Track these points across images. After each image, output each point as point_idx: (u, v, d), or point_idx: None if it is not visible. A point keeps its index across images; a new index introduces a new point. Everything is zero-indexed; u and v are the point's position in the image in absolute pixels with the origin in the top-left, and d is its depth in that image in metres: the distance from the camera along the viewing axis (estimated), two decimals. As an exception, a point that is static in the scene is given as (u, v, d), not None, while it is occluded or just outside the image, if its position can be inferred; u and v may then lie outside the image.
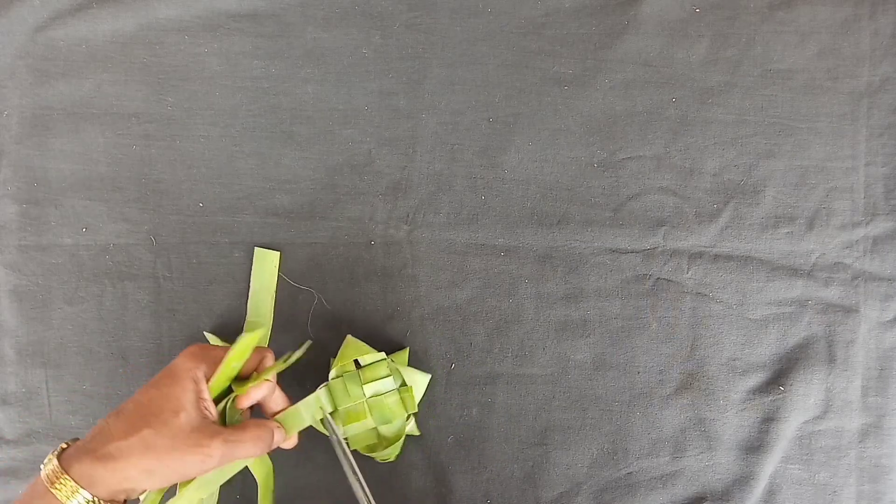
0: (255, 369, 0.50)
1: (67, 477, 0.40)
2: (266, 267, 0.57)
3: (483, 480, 0.58)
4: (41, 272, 0.58)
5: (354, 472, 0.51)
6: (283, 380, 0.53)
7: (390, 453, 0.55)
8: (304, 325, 0.58)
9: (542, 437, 0.58)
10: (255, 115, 0.58)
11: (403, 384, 0.55)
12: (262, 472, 0.54)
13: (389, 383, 0.54)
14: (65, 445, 0.43)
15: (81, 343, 0.58)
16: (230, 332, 0.57)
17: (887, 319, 0.60)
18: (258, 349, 0.51)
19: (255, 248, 0.57)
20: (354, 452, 0.54)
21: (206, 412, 0.45)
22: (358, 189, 0.59)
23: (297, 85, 0.59)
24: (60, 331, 0.58)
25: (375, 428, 0.54)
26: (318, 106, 0.59)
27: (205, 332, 0.57)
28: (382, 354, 0.54)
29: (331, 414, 0.53)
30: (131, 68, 0.58)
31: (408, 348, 0.58)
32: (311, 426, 0.53)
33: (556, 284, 0.59)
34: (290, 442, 0.52)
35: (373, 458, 0.55)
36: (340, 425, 0.53)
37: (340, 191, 0.59)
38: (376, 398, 0.53)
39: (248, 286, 0.58)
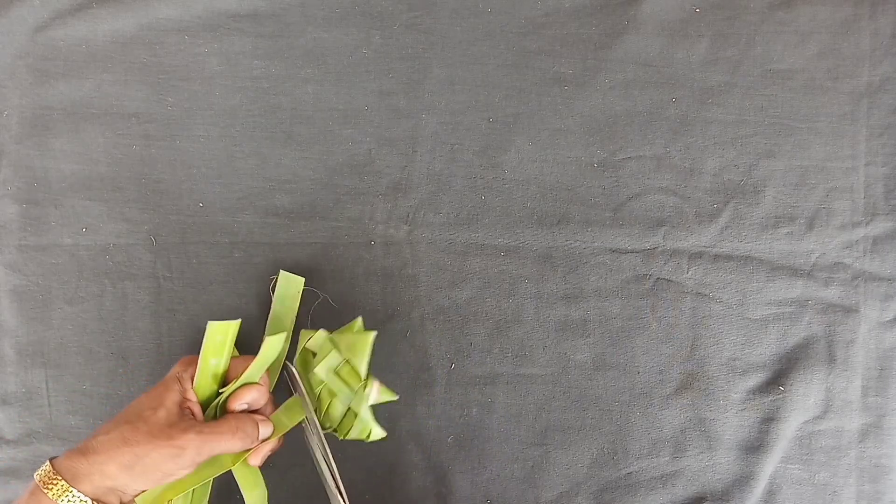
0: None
1: (59, 477, 0.41)
2: (289, 291, 0.56)
3: (483, 480, 0.58)
4: (41, 272, 0.57)
5: (332, 473, 0.50)
6: (278, 386, 0.53)
7: (368, 428, 0.52)
8: (304, 324, 0.58)
9: (542, 437, 0.58)
10: (255, 115, 0.58)
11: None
12: (254, 496, 0.53)
13: (336, 356, 0.51)
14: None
15: (81, 343, 0.58)
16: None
17: (887, 319, 0.60)
18: (245, 357, 0.51)
19: (281, 271, 0.56)
20: (348, 443, 0.53)
21: (189, 412, 0.46)
22: (358, 189, 0.59)
23: (297, 85, 0.59)
24: (60, 331, 0.58)
25: (350, 410, 0.52)
26: (318, 106, 0.59)
27: None
28: (322, 332, 0.52)
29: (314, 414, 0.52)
30: (131, 68, 0.58)
31: (360, 318, 0.54)
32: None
33: (556, 284, 0.59)
34: (263, 449, 0.50)
35: (364, 442, 0.52)
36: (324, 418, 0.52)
37: (340, 191, 0.59)
38: (332, 376, 0.51)
39: (249, 287, 0.58)
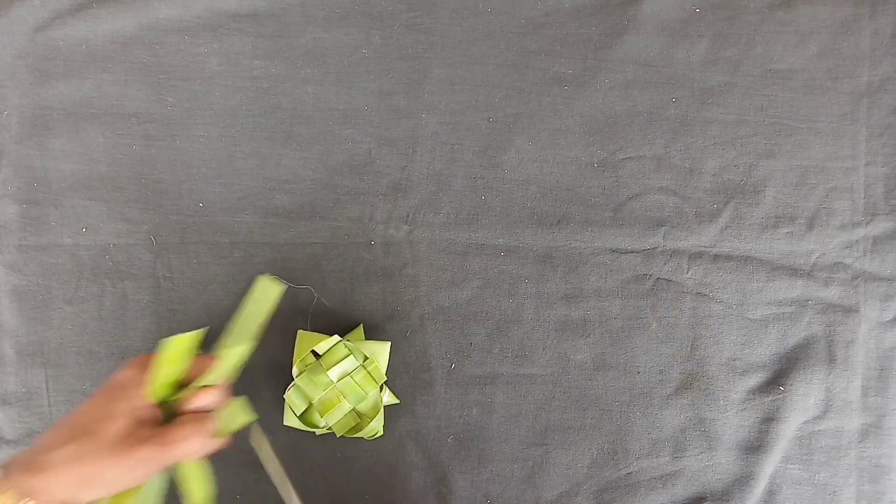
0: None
1: (13, 488, 0.39)
2: (265, 298, 0.53)
3: (483, 480, 0.58)
4: (41, 272, 0.57)
5: (284, 480, 0.50)
6: (264, 384, 0.53)
7: (376, 428, 0.55)
8: (304, 324, 0.58)
9: (542, 437, 0.58)
10: (255, 115, 0.58)
11: (366, 358, 0.54)
12: (197, 488, 0.51)
13: (352, 361, 0.53)
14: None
15: (81, 343, 0.58)
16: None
17: (887, 319, 0.60)
18: (208, 357, 0.48)
19: (259, 276, 0.53)
20: (348, 443, 0.54)
21: (143, 418, 0.43)
22: (358, 189, 0.59)
23: (297, 85, 0.59)
24: (60, 331, 0.58)
25: (353, 411, 0.54)
26: (318, 106, 0.59)
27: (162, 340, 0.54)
28: (336, 337, 0.54)
29: (306, 410, 0.53)
30: (131, 68, 0.58)
31: (361, 325, 0.57)
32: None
33: (556, 284, 0.59)
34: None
35: (363, 439, 0.54)
36: (318, 415, 0.53)
37: (340, 191, 0.59)
38: (344, 379, 0.53)
39: (249, 287, 0.57)
